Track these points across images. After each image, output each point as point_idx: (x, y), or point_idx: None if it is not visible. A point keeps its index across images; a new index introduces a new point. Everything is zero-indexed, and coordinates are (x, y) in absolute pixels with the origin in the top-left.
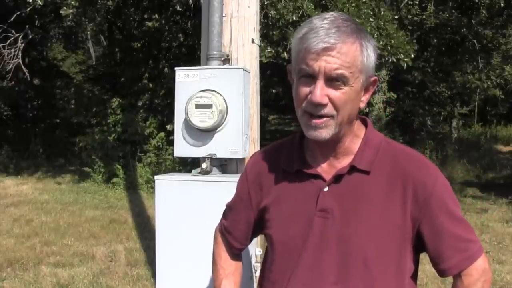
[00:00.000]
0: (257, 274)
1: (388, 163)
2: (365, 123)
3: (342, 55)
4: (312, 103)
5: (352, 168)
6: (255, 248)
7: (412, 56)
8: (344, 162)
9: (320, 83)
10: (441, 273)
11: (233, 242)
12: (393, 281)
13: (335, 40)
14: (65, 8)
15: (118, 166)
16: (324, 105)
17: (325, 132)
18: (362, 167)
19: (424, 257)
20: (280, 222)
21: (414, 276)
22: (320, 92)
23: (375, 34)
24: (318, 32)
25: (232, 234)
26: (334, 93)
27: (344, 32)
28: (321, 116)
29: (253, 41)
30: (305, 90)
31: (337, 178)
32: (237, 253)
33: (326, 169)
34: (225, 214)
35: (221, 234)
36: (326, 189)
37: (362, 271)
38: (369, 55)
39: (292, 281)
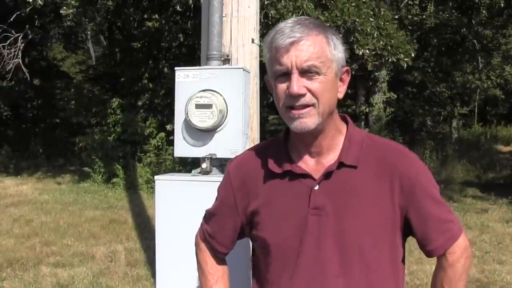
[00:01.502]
0: None
1: (373, 158)
2: (345, 121)
3: (310, 47)
4: (291, 95)
5: (340, 164)
6: None
7: (412, 56)
8: (330, 158)
9: (295, 76)
10: (429, 253)
11: (218, 247)
12: (389, 269)
13: (300, 34)
14: (65, 8)
15: (118, 166)
16: (303, 95)
17: (310, 121)
18: (350, 162)
19: (424, 257)
20: (272, 224)
21: (403, 260)
22: (297, 83)
23: (375, 34)
24: (284, 31)
25: (216, 239)
26: (311, 84)
27: (307, 26)
28: (303, 106)
29: (253, 41)
30: (282, 86)
31: (327, 175)
32: (221, 257)
33: (313, 167)
34: (206, 220)
35: (204, 241)
36: (316, 187)
37: (360, 263)
38: (336, 45)
39: (294, 280)
